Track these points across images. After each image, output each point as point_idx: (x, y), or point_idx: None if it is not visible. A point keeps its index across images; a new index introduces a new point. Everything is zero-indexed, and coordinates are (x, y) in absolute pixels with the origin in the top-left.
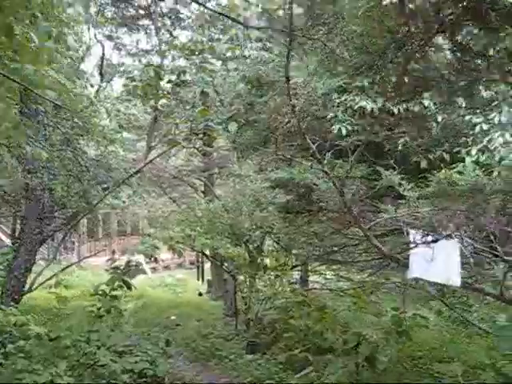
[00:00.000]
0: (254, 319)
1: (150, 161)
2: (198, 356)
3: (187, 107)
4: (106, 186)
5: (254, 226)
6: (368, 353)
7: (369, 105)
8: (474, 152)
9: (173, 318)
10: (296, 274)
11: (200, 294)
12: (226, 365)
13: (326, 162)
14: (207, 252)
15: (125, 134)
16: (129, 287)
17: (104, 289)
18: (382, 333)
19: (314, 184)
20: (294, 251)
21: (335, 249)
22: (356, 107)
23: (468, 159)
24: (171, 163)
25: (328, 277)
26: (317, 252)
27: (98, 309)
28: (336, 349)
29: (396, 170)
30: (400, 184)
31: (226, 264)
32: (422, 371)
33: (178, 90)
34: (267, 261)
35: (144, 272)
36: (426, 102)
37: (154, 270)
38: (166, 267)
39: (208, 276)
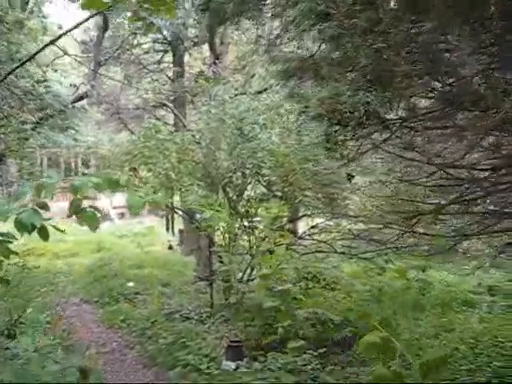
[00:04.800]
0: (238, 299)
1: (69, 30)
2: (153, 355)
3: None
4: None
5: (236, 166)
6: None
7: None
8: None
9: (130, 284)
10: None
11: (170, 248)
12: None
13: None
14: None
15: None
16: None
17: None
18: None
19: None
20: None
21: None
22: None
23: None
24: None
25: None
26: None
27: None
28: None
29: None
30: None
31: (197, 215)
32: None
33: None
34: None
35: (110, 218)
36: None
37: (121, 215)
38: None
39: (180, 224)
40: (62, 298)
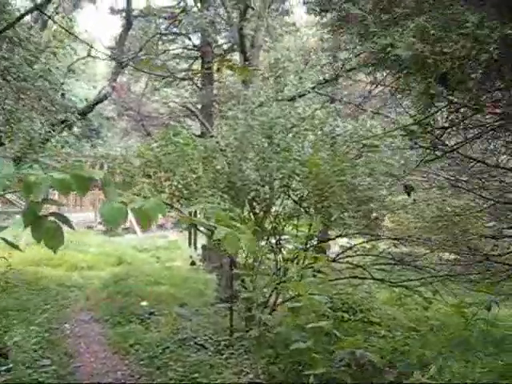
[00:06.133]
0: (260, 331)
1: None
2: None
3: None
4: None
5: (263, 178)
6: None
7: None
8: None
9: (144, 304)
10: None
11: (193, 264)
12: None
13: None
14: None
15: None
16: None
17: None
18: None
19: None
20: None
21: None
22: None
23: None
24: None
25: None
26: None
27: None
28: None
29: None
30: None
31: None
32: None
33: None
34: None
35: (133, 231)
36: None
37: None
38: (161, 226)
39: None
40: (72, 314)
